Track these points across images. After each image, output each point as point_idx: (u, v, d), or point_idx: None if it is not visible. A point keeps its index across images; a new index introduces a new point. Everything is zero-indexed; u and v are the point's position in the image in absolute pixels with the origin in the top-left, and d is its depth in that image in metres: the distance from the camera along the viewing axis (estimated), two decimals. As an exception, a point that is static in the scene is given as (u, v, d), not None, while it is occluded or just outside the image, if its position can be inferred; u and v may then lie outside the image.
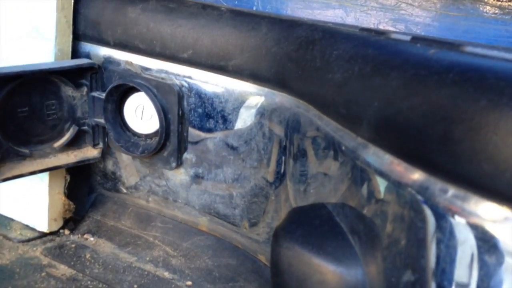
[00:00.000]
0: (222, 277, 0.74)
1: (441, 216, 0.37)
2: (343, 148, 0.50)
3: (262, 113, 0.69)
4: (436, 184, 0.35)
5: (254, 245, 0.76)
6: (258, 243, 0.75)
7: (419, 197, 0.38)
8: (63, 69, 0.74)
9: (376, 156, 0.42)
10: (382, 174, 0.42)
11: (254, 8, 0.80)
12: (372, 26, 0.71)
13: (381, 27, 0.70)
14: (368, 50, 0.45)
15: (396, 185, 0.40)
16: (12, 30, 0.79)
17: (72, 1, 0.78)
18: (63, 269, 0.73)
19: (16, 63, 0.78)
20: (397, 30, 0.63)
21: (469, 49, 0.40)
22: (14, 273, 0.71)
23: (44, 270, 0.72)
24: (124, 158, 0.84)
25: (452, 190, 0.35)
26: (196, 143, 0.76)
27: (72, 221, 0.85)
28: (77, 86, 0.78)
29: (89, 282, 0.71)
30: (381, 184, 0.44)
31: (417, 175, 0.37)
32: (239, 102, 0.71)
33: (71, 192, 0.83)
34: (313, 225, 0.50)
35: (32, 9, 0.77)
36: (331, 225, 0.49)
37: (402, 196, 0.40)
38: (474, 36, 0.68)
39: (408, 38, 0.46)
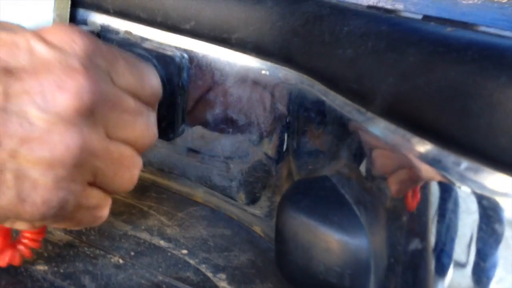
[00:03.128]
0: (217, 246, 0.75)
1: (449, 188, 0.39)
2: (350, 122, 0.51)
3: (264, 87, 0.70)
4: (449, 157, 0.37)
5: (249, 217, 0.77)
6: (253, 215, 0.76)
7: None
8: (62, 35, 0.73)
9: (387, 130, 0.44)
10: (392, 148, 0.44)
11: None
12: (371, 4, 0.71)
13: (379, 6, 0.71)
14: (381, 27, 0.46)
15: (406, 158, 0.42)
16: (8, -7, 0.77)
17: (72, -35, 0.77)
18: (59, 235, 0.73)
19: (13, 27, 0.76)
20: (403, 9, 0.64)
21: (483, 29, 0.42)
22: (11, 238, 0.70)
23: (41, 236, 0.72)
24: (120, 127, 0.84)
25: (465, 163, 0.37)
26: (194, 115, 0.76)
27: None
28: (75, 53, 0.77)
29: (86, 248, 0.71)
30: (389, 159, 0.46)
31: (430, 149, 0.39)
32: (241, 76, 0.71)
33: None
34: (318, 196, 0.52)
35: (30, -28, 0.76)
36: (336, 196, 0.51)
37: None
38: (471, 18, 0.69)
39: (419, 16, 0.47)
